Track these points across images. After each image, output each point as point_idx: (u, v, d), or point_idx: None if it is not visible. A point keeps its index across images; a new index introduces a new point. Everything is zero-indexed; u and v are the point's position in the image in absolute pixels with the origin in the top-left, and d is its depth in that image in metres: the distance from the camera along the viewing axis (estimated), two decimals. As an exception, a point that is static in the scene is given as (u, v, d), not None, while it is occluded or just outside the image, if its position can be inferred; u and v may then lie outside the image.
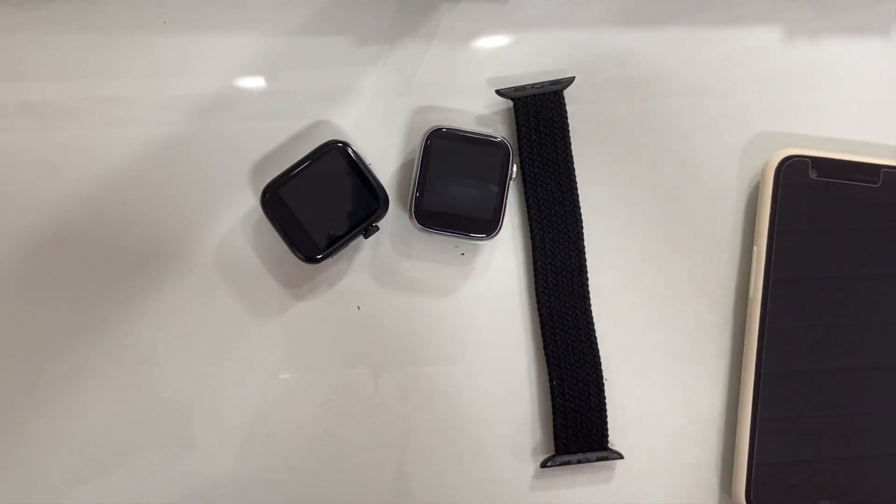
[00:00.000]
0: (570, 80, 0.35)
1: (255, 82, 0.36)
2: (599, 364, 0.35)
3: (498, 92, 0.35)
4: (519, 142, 0.35)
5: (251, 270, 0.35)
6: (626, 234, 0.36)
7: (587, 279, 0.35)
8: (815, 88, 0.37)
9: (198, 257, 0.35)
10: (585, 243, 0.35)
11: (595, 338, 0.35)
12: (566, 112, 0.36)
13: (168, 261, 0.35)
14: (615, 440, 0.35)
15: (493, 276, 0.36)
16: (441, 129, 0.34)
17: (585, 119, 0.36)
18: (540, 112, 0.35)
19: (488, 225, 0.34)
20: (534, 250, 0.35)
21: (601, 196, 0.36)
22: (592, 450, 0.35)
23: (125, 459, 0.35)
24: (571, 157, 0.36)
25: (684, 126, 0.37)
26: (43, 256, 0.35)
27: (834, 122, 0.37)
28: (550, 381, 0.35)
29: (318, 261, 0.33)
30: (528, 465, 0.35)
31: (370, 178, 0.34)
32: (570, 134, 0.36)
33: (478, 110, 0.36)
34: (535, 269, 0.35)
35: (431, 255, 0.36)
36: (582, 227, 0.35)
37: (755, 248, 0.35)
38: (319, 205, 0.33)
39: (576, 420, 0.35)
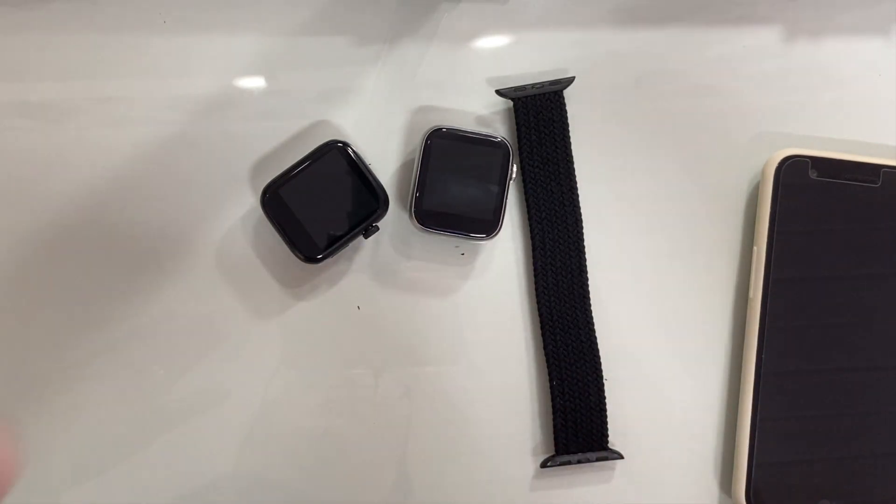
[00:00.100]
0: (570, 80, 0.35)
1: (255, 82, 0.36)
2: (599, 364, 0.35)
3: (498, 92, 0.35)
4: (519, 142, 0.35)
5: (251, 270, 0.35)
6: (626, 234, 0.36)
7: (587, 279, 0.35)
8: (815, 88, 0.37)
9: (198, 257, 0.35)
10: (585, 243, 0.35)
11: (595, 338, 0.35)
12: (566, 112, 0.36)
13: (168, 261, 0.35)
14: (615, 440, 0.35)
15: (493, 276, 0.36)
16: (441, 129, 0.34)
17: (585, 119, 0.36)
18: (540, 112, 0.35)
19: (488, 225, 0.34)
20: (534, 250, 0.35)
21: (601, 196, 0.36)
22: (592, 450, 0.35)
23: (125, 459, 0.35)
24: (571, 157, 0.36)
25: (684, 126, 0.37)
26: (43, 256, 0.35)
27: (834, 122, 0.37)
28: (550, 381, 0.35)
29: (318, 261, 0.33)
30: (528, 465, 0.35)
31: (370, 178, 0.34)
32: (570, 134, 0.36)
33: (478, 110, 0.36)
34: (535, 269, 0.35)
35: (431, 255, 0.36)
36: (582, 227, 0.35)
37: (755, 248, 0.35)
38: (319, 205, 0.33)
39: (576, 420, 0.35)
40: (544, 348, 0.35)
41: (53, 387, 0.34)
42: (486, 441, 0.35)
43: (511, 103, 0.36)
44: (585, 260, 0.35)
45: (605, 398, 0.35)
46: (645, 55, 0.37)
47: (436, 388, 0.35)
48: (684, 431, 0.36)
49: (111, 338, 0.35)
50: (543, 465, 0.35)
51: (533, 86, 0.35)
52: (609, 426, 0.35)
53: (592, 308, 0.35)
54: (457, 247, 0.36)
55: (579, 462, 0.35)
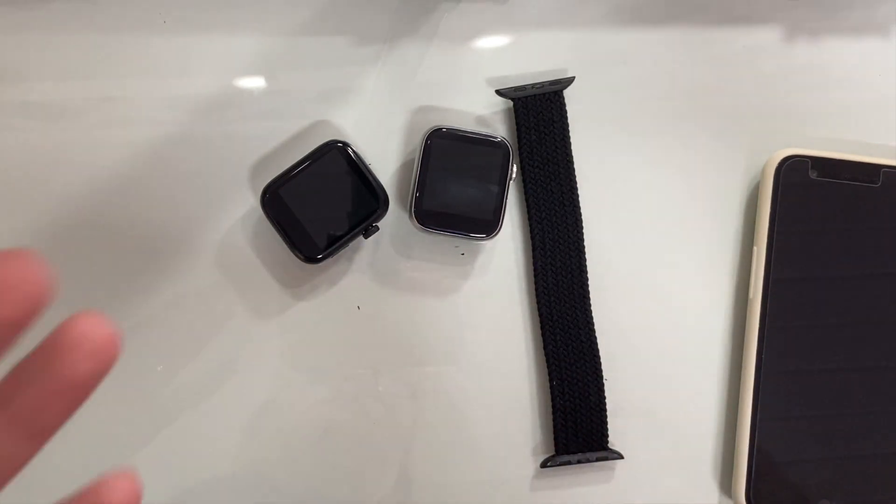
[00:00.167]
0: (570, 80, 0.35)
1: (255, 82, 0.36)
2: (599, 364, 0.35)
3: (498, 92, 0.35)
4: (519, 142, 0.35)
5: (251, 270, 0.35)
6: (626, 234, 0.36)
7: (587, 279, 0.35)
8: (815, 88, 0.37)
9: (198, 257, 0.35)
10: (585, 243, 0.35)
11: (595, 338, 0.35)
12: (566, 112, 0.36)
13: (168, 261, 0.35)
14: (615, 440, 0.35)
15: (493, 276, 0.36)
16: (441, 129, 0.34)
17: (585, 119, 0.36)
18: (540, 112, 0.35)
19: (488, 225, 0.34)
20: (534, 250, 0.35)
21: (601, 196, 0.36)
22: (592, 450, 0.35)
23: (124, 458, 0.35)
24: (571, 157, 0.36)
25: (684, 126, 0.37)
26: (43, 256, 0.35)
27: (834, 122, 0.37)
28: (550, 381, 0.35)
29: (318, 261, 0.33)
30: (528, 465, 0.35)
31: (370, 178, 0.34)
32: (570, 134, 0.36)
33: (478, 110, 0.36)
34: (535, 269, 0.35)
35: (431, 255, 0.36)
36: (582, 227, 0.35)
37: (755, 248, 0.35)
38: (319, 205, 0.33)
39: (576, 420, 0.35)
40: (544, 348, 0.35)
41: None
42: (486, 441, 0.35)
43: (511, 103, 0.36)
44: (585, 260, 0.35)
45: (605, 398, 0.35)
46: (645, 55, 0.37)
47: (436, 388, 0.35)
48: (684, 431, 0.36)
49: (111, 338, 0.35)
50: (543, 465, 0.35)
51: (533, 86, 0.35)
52: (609, 426, 0.35)
53: (592, 308, 0.35)
54: (457, 247, 0.36)
55: (579, 462, 0.35)
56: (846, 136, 0.37)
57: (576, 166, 0.36)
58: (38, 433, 0.19)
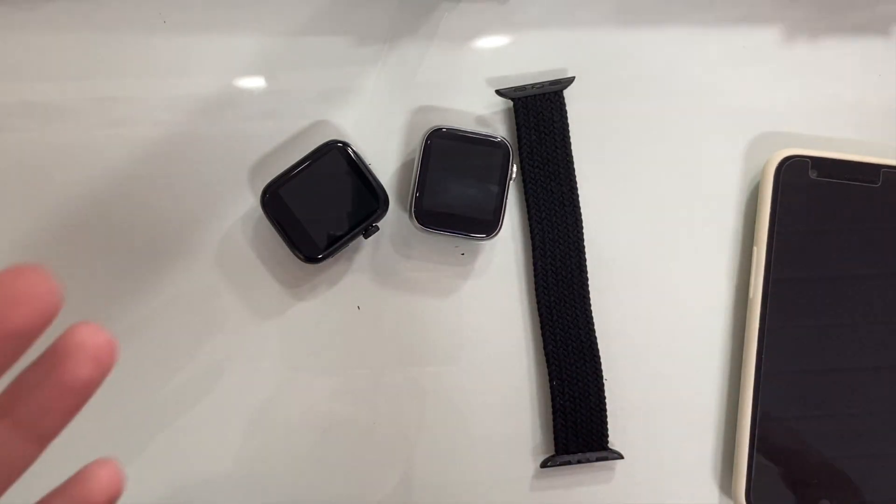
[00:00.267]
0: (570, 80, 0.35)
1: (255, 82, 0.36)
2: (599, 364, 0.35)
3: (498, 92, 0.35)
4: (519, 142, 0.35)
5: (251, 270, 0.35)
6: (625, 233, 0.36)
7: (587, 279, 0.35)
8: (815, 88, 0.37)
9: (198, 257, 0.35)
10: (585, 243, 0.35)
11: (595, 338, 0.35)
12: (566, 112, 0.36)
13: (168, 261, 0.35)
14: (615, 440, 0.35)
15: (493, 276, 0.36)
16: (441, 129, 0.34)
17: (585, 119, 0.36)
18: (540, 112, 0.35)
19: (488, 225, 0.34)
20: (534, 250, 0.35)
21: (601, 196, 0.36)
22: (592, 450, 0.35)
23: (124, 459, 0.35)
24: (571, 157, 0.36)
25: (684, 126, 0.37)
26: (42, 256, 0.35)
27: (834, 122, 0.37)
28: (550, 381, 0.35)
29: (318, 261, 0.33)
30: (528, 465, 0.35)
31: (370, 178, 0.34)
32: (570, 134, 0.36)
33: (478, 110, 0.36)
34: (535, 269, 0.35)
35: (431, 255, 0.36)
36: (582, 227, 0.35)
37: (755, 248, 0.35)
38: (319, 205, 0.33)
39: (576, 420, 0.35)
40: (544, 348, 0.35)
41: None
42: (486, 441, 0.35)
43: (511, 103, 0.36)
44: (585, 260, 0.35)
45: (605, 398, 0.35)
46: (645, 55, 0.37)
47: (436, 389, 0.35)
48: (684, 431, 0.36)
49: (111, 338, 0.35)
50: (543, 465, 0.35)
51: (533, 86, 0.35)
52: (609, 426, 0.35)
53: (592, 308, 0.35)
54: (457, 247, 0.36)
55: (579, 462, 0.35)
56: (846, 136, 0.37)
57: (576, 166, 0.36)
58: (42, 436, 0.20)
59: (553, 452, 0.35)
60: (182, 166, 0.35)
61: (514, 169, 0.35)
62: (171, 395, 0.35)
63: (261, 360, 0.35)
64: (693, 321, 0.36)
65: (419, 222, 0.34)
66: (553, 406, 0.35)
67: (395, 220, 0.35)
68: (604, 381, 0.35)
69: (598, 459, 0.35)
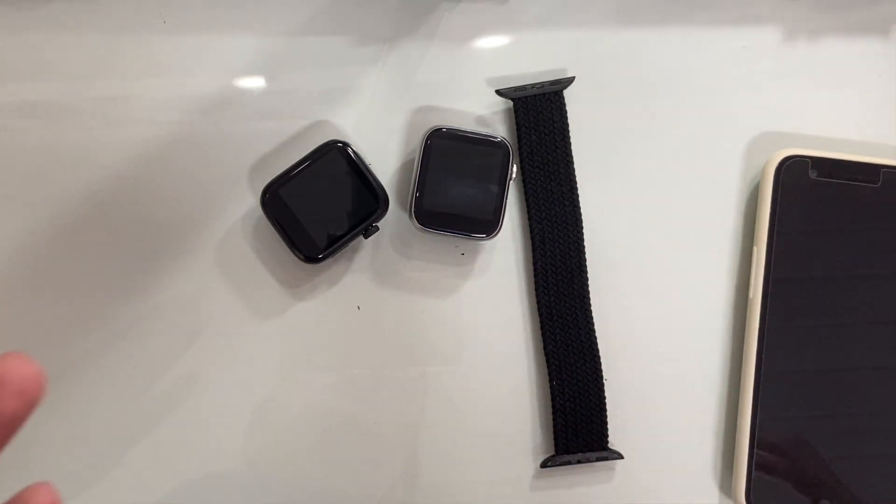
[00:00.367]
0: (570, 80, 0.35)
1: (255, 82, 0.36)
2: (599, 364, 0.35)
3: (498, 92, 0.35)
4: (519, 142, 0.35)
5: (251, 270, 0.35)
6: (626, 233, 0.36)
7: (587, 279, 0.35)
8: (815, 88, 0.37)
9: (198, 257, 0.35)
10: (585, 243, 0.35)
11: (595, 338, 0.35)
12: (566, 112, 0.36)
13: (168, 260, 0.35)
14: (615, 440, 0.35)
15: (493, 276, 0.36)
16: (441, 129, 0.34)
17: (585, 119, 0.36)
18: (540, 112, 0.35)
19: (488, 225, 0.34)
20: (534, 250, 0.35)
21: (601, 196, 0.36)
22: (592, 450, 0.35)
23: (124, 459, 0.35)
24: (571, 157, 0.36)
25: (684, 126, 0.37)
26: (43, 256, 0.35)
27: (834, 122, 0.37)
28: (550, 381, 0.35)
29: (319, 261, 0.33)
30: (528, 465, 0.35)
31: (370, 178, 0.34)
32: (570, 134, 0.36)
33: (478, 110, 0.36)
34: (535, 269, 0.35)
35: (431, 255, 0.36)
36: (582, 227, 0.35)
37: (755, 248, 0.35)
38: (319, 205, 0.33)
39: (576, 420, 0.35)
40: (544, 348, 0.35)
41: (53, 386, 0.34)
42: (486, 441, 0.35)
43: (511, 103, 0.36)
44: (585, 260, 0.35)
45: (605, 398, 0.35)
46: (645, 55, 0.37)
47: (435, 389, 0.35)
48: (684, 431, 0.36)
49: (111, 338, 0.35)
50: (543, 465, 0.35)
51: (533, 86, 0.35)
52: (609, 426, 0.35)
53: (592, 308, 0.35)
54: (457, 247, 0.36)
55: (579, 462, 0.35)
56: (846, 136, 0.37)
57: (576, 166, 0.36)
58: None
59: (553, 452, 0.35)
60: (182, 166, 0.35)
61: (514, 169, 0.35)
62: (171, 395, 0.35)
63: (261, 360, 0.35)
64: (693, 321, 0.36)
65: (419, 222, 0.34)
66: (553, 406, 0.35)
67: (395, 220, 0.35)
68: (604, 381, 0.35)
69: (598, 459, 0.35)
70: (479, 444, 0.35)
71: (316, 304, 0.35)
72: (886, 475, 0.34)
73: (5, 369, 0.18)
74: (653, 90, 0.37)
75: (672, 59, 0.37)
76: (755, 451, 0.34)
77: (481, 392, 0.35)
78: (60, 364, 0.34)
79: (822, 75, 0.37)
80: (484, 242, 0.36)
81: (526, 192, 0.35)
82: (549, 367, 0.35)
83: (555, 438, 0.35)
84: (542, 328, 0.35)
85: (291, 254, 0.33)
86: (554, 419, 0.35)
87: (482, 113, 0.36)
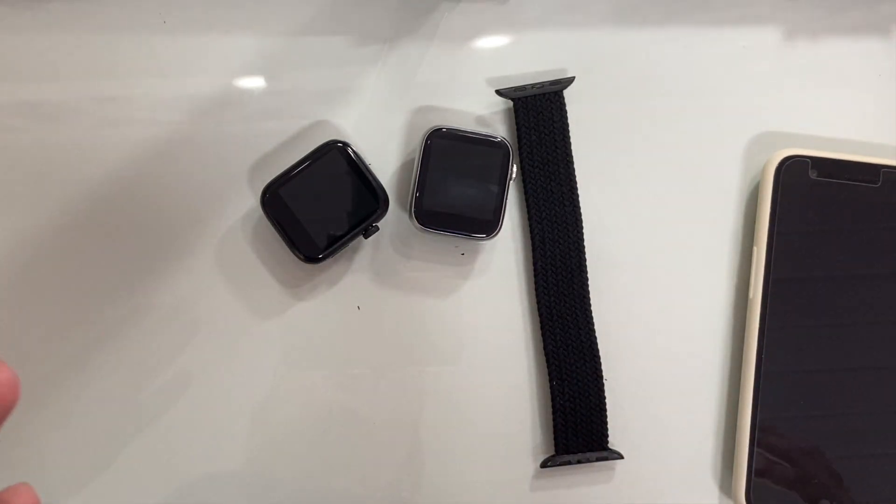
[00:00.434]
0: (570, 80, 0.35)
1: (255, 82, 0.36)
2: (599, 364, 0.35)
3: (498, 92, 0.35)
4: (519, 142, 0.35)
5: (251, 270, 0.35)
6: (626, 233, 0.36)
7: (587, 279, 0.35)
8: (815, 88, 0.37)
9: (198, 257, 0.35)
10: (585, 243, 0.35)
11: (595, 338, 0.35)
12: (566, 112, 0.36)
13: (168, 261, 0.35)
14: (615, 440, 0.35)
15: (493, 276, 0.36)
16: (441, 129, 0.34)
17: (585, 119, 0.36)
18: (540, 112, 0.35)
19: (488, 225, 0.34)
20: (534, 250, 0.35)
21: (601, 196, 0.36)
22: (592, 450, 0.35)
23: (124, 459, 0.35)
24: (571, 157, 0.36)
25: (684, 126, 0.37)
26: (42, 256, 0.35)
27: (834, 122, 0.37)
28: (550, 381, 0.35)
29: (319, 261, 0.33)
30: (528, 465, 0.35)
31: (370, 178, 0.34)
32: (570, 134, 0.36)
33: (478, 110, 0.36)
34: (535, 269, 0.35)
35: (431, 255, 0.36)
36: (582, 227, 0.35)
37: (755, 248, 0.35)
38: (319, 205, 0.33)
39: (576, 420, 0.35)
40: (544, 348, 0.35)
41: (53, 386, 0.34)
42: (486, 441, 0.35)
43: (511, 103, 0.36)
44: (585, 260, 0.35)
45: (605, 398, 0.35)
46: (645, 55, 0.37)
47: (435, 389, 0.35)
48: (684, 431, 0.36)
49: (110, 337, 0.35)
50: (543, 465, 0.35)
51: (533, 86, 0.35)
52: (609, 426, 0.35)
53: (592, 308, 0.35)
54: (457, 247, 0.36)
55: (579, 462, 0.35)
56: (846, 136, 0.37)
57: (576, 166, 0.36)
58: None
59: (553, 452, 0.35)
60: (182, 166, 0.35)
61: (514, 169, 0.35)
62: (171, 395, 0.35)
63: (261, 360, 0.35)
64: (693, 321, 0.36)
65: (419, 222, 0.34)
66: (553, 406, 0.35)
67: (395, 220, 0.35)
68: (604, 381, 0.35)
69: (598, 459, 0.35)
70: (479, 444, 0.35)
71: (316, 304, 0.35)
72: (886, 475, 0.34)
73: None
74: (653, 90, 0.37)
75: (672, 59, 0.37)
76: (755, 451, 0.34)
77: (481, 392, 0.35)
78: (59, 364, 0.34)
79: (822, 75, 0.37)
80: (484, 242, 0.36)
81: (526, 192, 0.35)
82: (549, 366, 0.35)
83: (555, 438, 0.35)
84: (541, 328, 0.35)
85: (291, 254, 0.33)
86: (554, 419, 0.35)
87: (482, 113, 0.36)
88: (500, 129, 0.36)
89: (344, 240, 0.33)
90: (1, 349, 0.34)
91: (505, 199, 0.34)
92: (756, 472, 0.34)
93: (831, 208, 0.35)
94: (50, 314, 0.35)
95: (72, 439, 0.35)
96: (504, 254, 0.36)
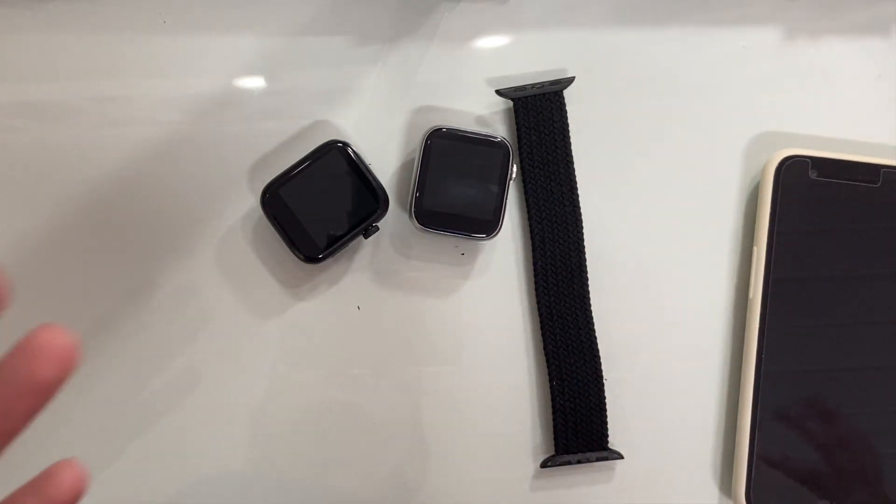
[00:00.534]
0: (570, 80, 0.35)
1: (255, 82, 0.36)
2: (599, 364, 0.35)
3: (498, 92, 0.35)
4: (519, 142, 0.35)
5: (251, 270, 0.35)
6: (625, 233, 0.36)
7: (587, 279, 0.35)
8: (815, 88, 0.37)
9: (198, 257, 0.35)
10: (585, 243, 0.35)
11: (595, 337, 0.35)
12: (566, 112, 0.36)
13: (168, 260, 0.35)
14: (615, 440, 0.35)
15: (493, 276, 0.36)
16: (441, 129, 0.34)
17: (585, 119, 0.36)
18: (540, 112, 0.35)
19: (488, 225, 0.34)
20: (534, 250, 0.35)
21: (601, 196, 0.36)
22: (592, 450, 0.35)
23: (124, 458, 0.35)
24: (571, 157, 0.36)
25: (684, 126, 0.37)
26: (42, 256, 0.35)
27: (834, 122, 0.37)
28: (550, 381, 0.35)
29: (319, 261, 0.33)
30: (528, 465, 0.35)
31: (370, 178, 0.34)
32: (570, 134, 0.36)
33: (478, 110, 0.36)
34: (535, 269, 0.35)
35: (431, 255, 0.36)
36: (582, 227, 0.35)
37: (755, 248, 0.35)
38: (319, 205, 0.33)
39: (576, 420, 0.35)
40: (544, 348, 0.35)
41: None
42: (486, 441, 0.35)
43: (511, 103, 0.36)
44: (585, 260, 0.35)
45: (605, 398, 0.35)
46: (645, 55, 0.37)
47: (435, 389, 0.35)
48: (684, 431, 0.36)
49: (110, 337, 0.35)
50: (543, 465, 0.35)
51: (533, 86, 0.35)
52: (609, 426, 0.35)
53: (592, 308, 0.35)
54: (456, 247, 0.36)
55: (579, 462, 0.35)
56: (846, 136, 0.37)
57: (576, 166, 0.36)
58: (3, 434, 0.21)
59: (553, 452, 0.35)
60: (182, 166, 0.35)
61: (514, 169, 0.35)
62: (171, 395, 0.35)
63: (261, 360, 0.35)
64: (693, 321, 0.36)
65: (419, 222, 0.34)
66: (553, 406, 0.35)
67: (395, 220, 0.35)
68: (604, 381, 0.35)
69: (598, 459, 0.35)
70: (479, 444, 0.35)
71: (316, 304, 0.35)
72: (886, 475, 0.34)
73: (43, 339, 0.19)
74: (653, 90, 0.37)
75: (672, 59, 0.37)
76: (755, 451, 0.34)
77: (481, 392, 0.35)
78: (60, 364, 0.34)
79: (822, 75, 0.37)
80: (484, 242, 0.36)
81: (526, 192, 0.35)
82: (549, 366, 0.35)
83: (555, 438, 0.35)
84: (542, 328, 0.35)
85: (291, 254, 0.33)
86: (554, 419, 0.35)
87: (482, 113, 0.36)
88: (500, 129, 0.36)
89: (344, 240, 0.33)
90: (1, 349, 0.34)
91: (505, 199, 0.34)
92: (756, 472, 0.34)
93: (831, 208, 0.35)
94: (50, 314, 0.35)
95: (72, 439, 0.34)
96: (504, 254, 0.36)
